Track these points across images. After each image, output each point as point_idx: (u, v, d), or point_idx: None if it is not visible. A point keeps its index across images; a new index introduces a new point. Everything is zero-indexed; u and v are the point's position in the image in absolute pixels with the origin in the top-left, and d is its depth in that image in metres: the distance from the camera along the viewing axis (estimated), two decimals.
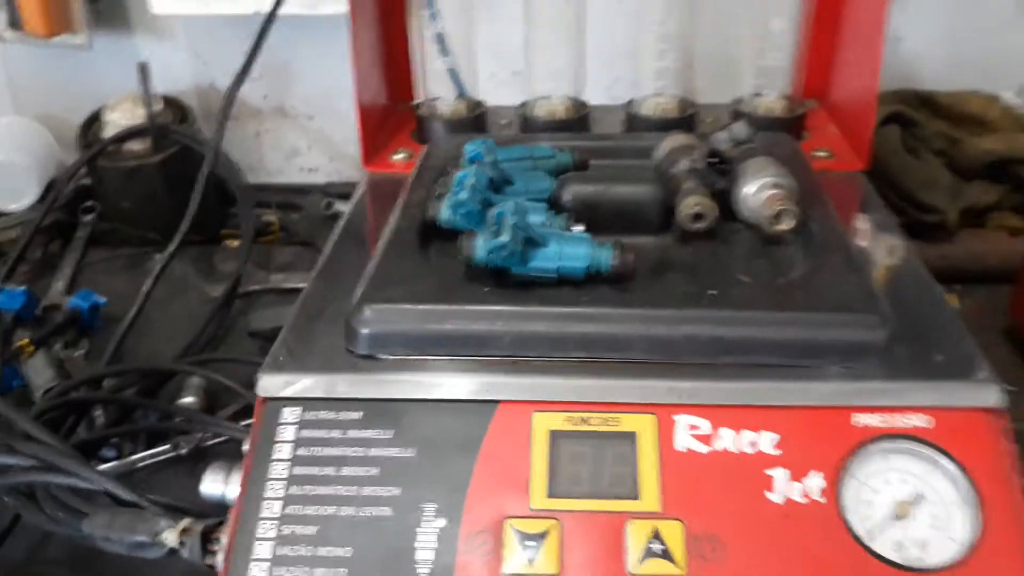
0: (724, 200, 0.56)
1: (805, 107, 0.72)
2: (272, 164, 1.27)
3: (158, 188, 1.10)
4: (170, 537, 0.53)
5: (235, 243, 1.14)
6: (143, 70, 1.02)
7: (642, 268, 0.52)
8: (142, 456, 0.81)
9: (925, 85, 1.08)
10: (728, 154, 0.57)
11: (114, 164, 1.09)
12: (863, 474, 0.43)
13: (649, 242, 0.55)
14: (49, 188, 1.14)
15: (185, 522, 0.54)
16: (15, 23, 1.03)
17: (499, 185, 0.56)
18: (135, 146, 1.10)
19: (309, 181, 1.25)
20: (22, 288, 0.98)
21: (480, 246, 0.49)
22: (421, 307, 0.47)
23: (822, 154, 0.68)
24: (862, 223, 0.59)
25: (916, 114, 1.04)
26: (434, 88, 0.74)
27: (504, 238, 0.47)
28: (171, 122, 1.12)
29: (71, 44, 1.08)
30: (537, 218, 0.53)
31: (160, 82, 1.20)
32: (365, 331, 0.47)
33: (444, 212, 0.53)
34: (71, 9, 1.05)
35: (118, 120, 1.09)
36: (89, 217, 1.18)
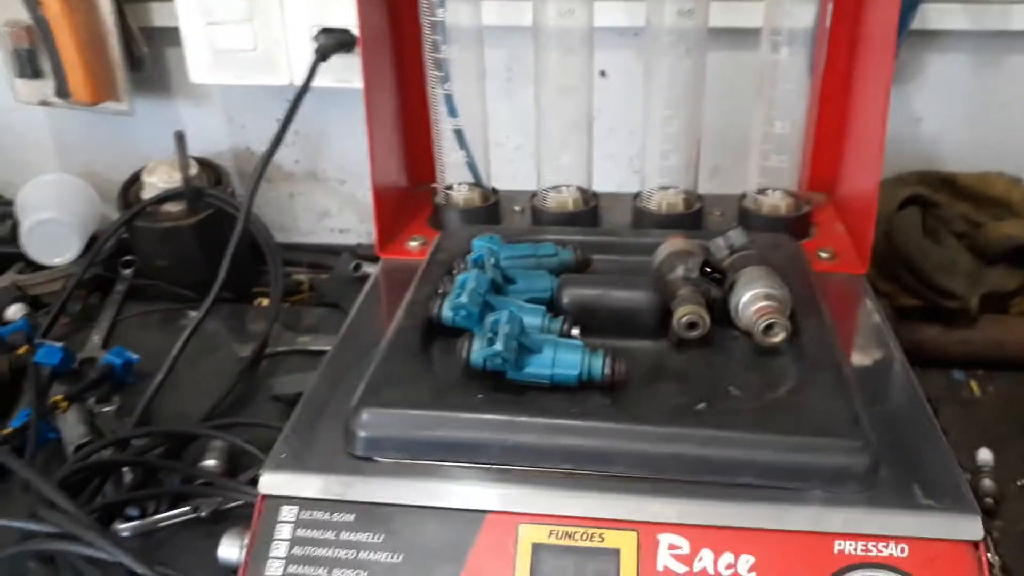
0: (721, 307, 0.57)
1: (810, 205, 0.73)
2: (304, 225, 1.31)
3: (192, 248, 1.14)
4: None
5: (266, 302, 1.17)
6: (179, 138, 1.06)
7: (636, 374, 0.53)
8: (164, 517, 0.83)
9: (947, 166, 1.08)
10: (724, 261, 0.59)
11: (151, 224, 1.14)
12: None
13: (645, 346, 0.57)
14: (91, 243, 1.19)
15: None
16: (62, 91, 1.08)
17: (501, 285, 0.58)
18: (171, 208, 1.14)
19: (340, 242, 1.29)
20: (60, 344, 1.01)
21: (476, 351, 0.51)
22: (415, 413, 0.48)
23: (824, 255, 0.69)
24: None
25: (937, 196, 1.04)
26: (451, 174, 0.76)
27: (498, 347, 0.49)
28: (206, 185, 1.16)
29: (114, 111, 1.12)
30: (534, 320, 0.55)
31: (198, 144, 1.25)
32: (362, 434, 0.49)
33: (446, 312, 0.55)
34: (115, 78, 1.10)
35: (156, 183, 1.13)
36: (128, 271, 1.22)
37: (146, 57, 1.14)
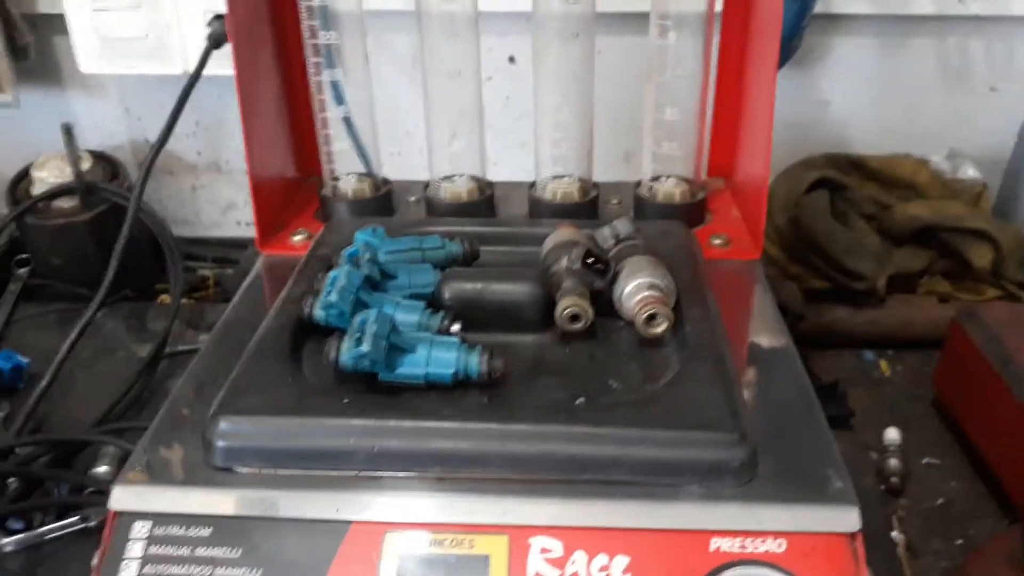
0: (606, 298, 0.56)
1: (705, 192, 0.72)
2: (208, 218, 1.26)
3: (87, 245, 1.09)
4: None
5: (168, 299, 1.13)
6: (67, 130, 1.01)
7: (517, 370, 0.51)
8: (50, 528, 0.79)
9: (855, 149, 1.09)
10: (610, 251, 0.57)
11: (42, 222, 1.08)
12: None
13: (530, 340, 0.55)
14: None
15: None
16: None
17: (378, 281, 0.55)
18: (64, 204, 1.09)
19: (246, 235, 1.24)
20: None
21: (344, 352, 0.48)
22: (275, 420, 0.46)
23: (718, 242, 0.68)
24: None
25: (846, 178, 1.05)
26: (340, 164, 0.73)
27: (364, 347, 0.47)
28: (101, 179, 1.11)
29: None
30: (411, 317, 0.53)
31: (94, 137, 1.19)
32: (220, 444, 0.46)
33: (317, 311, 0.53)
34: None
35: (46, 178, 1.08)
36: (23, 271, 1.17)
37: (30, 46, 1.09)
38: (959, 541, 0.76)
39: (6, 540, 0.78)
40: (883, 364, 0.99)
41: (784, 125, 1.11)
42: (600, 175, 1.12)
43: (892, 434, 0.85)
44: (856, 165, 1.07)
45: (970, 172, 1.05)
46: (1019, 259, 0.99)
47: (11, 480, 0.82)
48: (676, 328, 0.53)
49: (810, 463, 0.47)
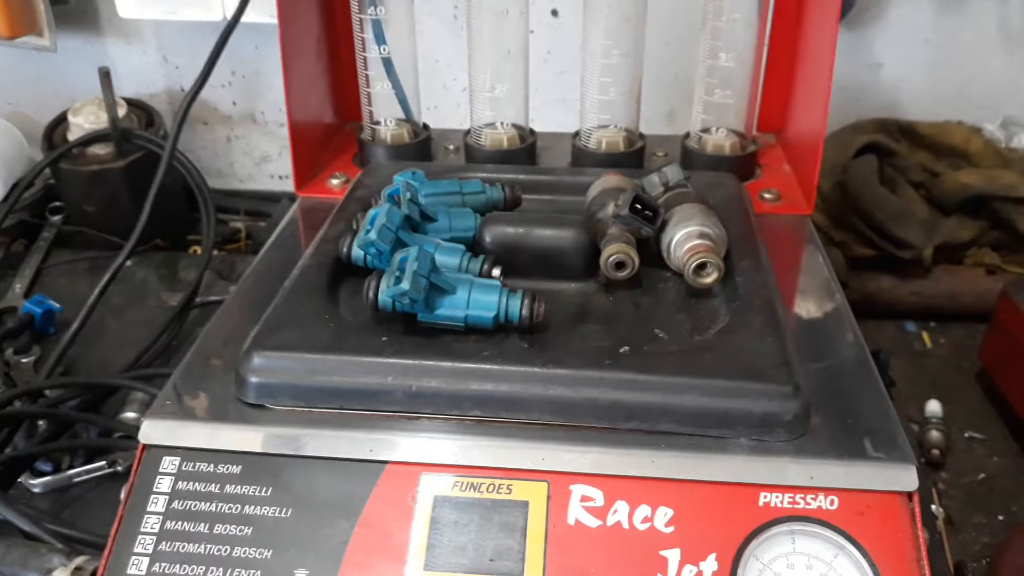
0: (654, 247, 0.54)
1: (756, 145, 0.69)
2: (242, 170, 1.25)
3: (121, 192, 1.08)
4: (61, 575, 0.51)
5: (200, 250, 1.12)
6: (105, 76, 1.00)
7: (559, 317, 0.50)
8: (78, 472, 0.79)
9: (907, 114, 1.05)
10: (659, 199, 0.55)
11: (77, 168, 1.08)
12: (767, 557, 0.41)
13: (572, 288, 0.53)
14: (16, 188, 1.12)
15: (78, 560, 0.52)
16: None
17: (418, 224, 0.53)
18: (99, 150, 1.08)
19: (280, 188, 1.24)
20: None
21: (383, 291, 0.47)
22: (310, 356, 0.44)
23: (768, 196, 0.65)
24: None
25: (896, 144, 1.02)
26: (379, 109, 0.71)
27: (404, 286, 0.45)
28: (137, 127, 1.10)
29: (35, 46, 1.06)
30: (452, 260, 0.51)
31: (131, 85, 1.18)
32: (253, 379, 0.45)
33: (356, 250, 0.51)
34: (35, 11, 1.03)
35: (82, 124, 1.07)
36: (56, 218, 1.16)
37: None
38: (1001, 517, 0.74)
39: (34, 481, 0.78)
40: (925, 336, 0.96)
41: (835, 87, 1.07)
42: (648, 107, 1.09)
43: (933, 406, 0.83)
44: (906, 131, 1.04)
45: None
46: None
47: (40, 422, 0.82)
48: (726, 279, 0.51)
49: (865, 419, 0.44)
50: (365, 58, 0.68)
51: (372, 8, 0.66)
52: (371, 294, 0.47)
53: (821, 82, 0.62)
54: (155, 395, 0.79)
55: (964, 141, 1.02)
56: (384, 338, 0.45)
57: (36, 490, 0.78)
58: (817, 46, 0.64)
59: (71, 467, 0.79)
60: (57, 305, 0.99)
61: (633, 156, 0.68)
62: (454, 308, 0.47)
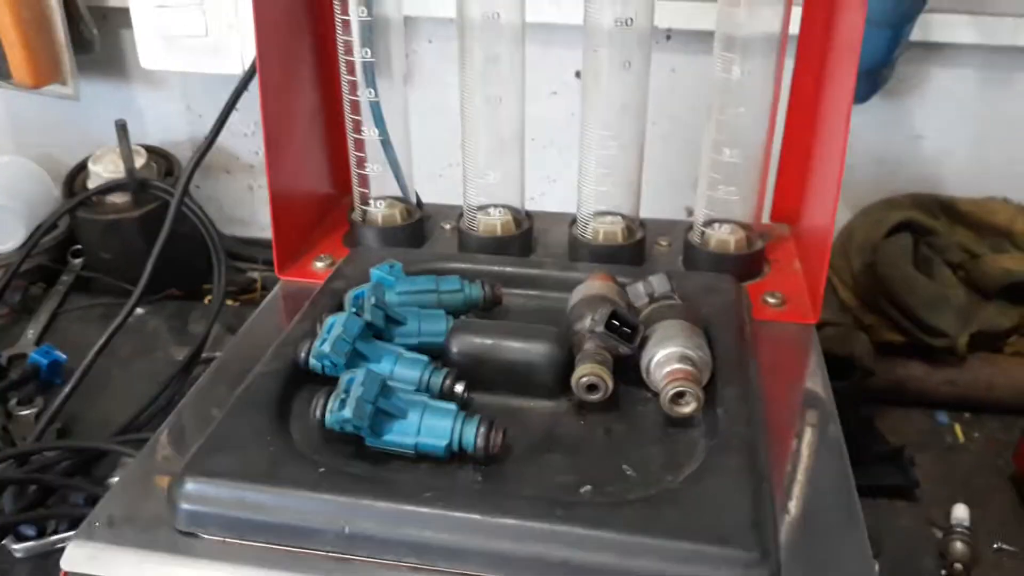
0: (635, 364, 0.50)
1: (764, 241, 0.65)
2: (264, 219, 1.24)
3: (137, 241, 1.08)
4: None
5: None
6: (121, 128, 1.00)
7: (520, 443, 0.46)
8: (61, 538, 0.78)
9: (947, 190, 1.00)
10: (643, 311, 0.51)
11: (94, 216, 1.08)
12: None
13: (541, 407, 0.49)
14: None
15: None
16: (2, 72, 1.01)
17: (382, 329, 0.50)
18: (116, 199, 1.08)
19: None
20: None
21: (329, 413, 0.44)
22: (242, 487, 0.42)
23: (772, 301, 0.61)
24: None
25: (933, 221, 0.96)
26: (375, 187, 0.68)
27: (346, 413, 0.42)
28: (154, 175, 1.10)
29: (59, 94, 1.06)
30: (412, 373, 0.48)
31: (156, 132, 1.19)
32: (184, 506, 0.42)
33: (312, 360, 0.48)
34: (60, 60, 1.04)
35: (101, 172, 1.07)
36: (77, 261, 1.17)
37: (95, 39, 1.08)
38: None
39: (17, 546, 0.76)
40: (958, 429, 0.90)
41: (870, 159, 1.03)
42: (664, 200, 1.05)
43: (960, 512, 0.77)
44: (945, 208, 0.98)
45: None
46: None
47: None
48: (708, 408, 0.47)
49: None
50: (357, 139, 0.65)
51: (368, 90, 0.64)
52: (318, 414, 0.44)
53: (831, 176, 0.58)
54: None
55: (1009, 220, 0.96)
56: (322, 469, 0.42)
57: (18, 555, 0.77)
58: (829, 133, 0.60)
59: (55, 532, 0.78)
60: (63, 356, 0.98)
61: (632, 248, 0.64)
62: (403, 435, 0.44)
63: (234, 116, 0.92)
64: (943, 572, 0.73)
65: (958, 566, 0.73)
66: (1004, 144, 0.98)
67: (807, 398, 0.54)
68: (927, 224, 0.95)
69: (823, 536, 0.43)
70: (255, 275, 1.18)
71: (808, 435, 0.50)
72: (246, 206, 1.24)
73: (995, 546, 0.76)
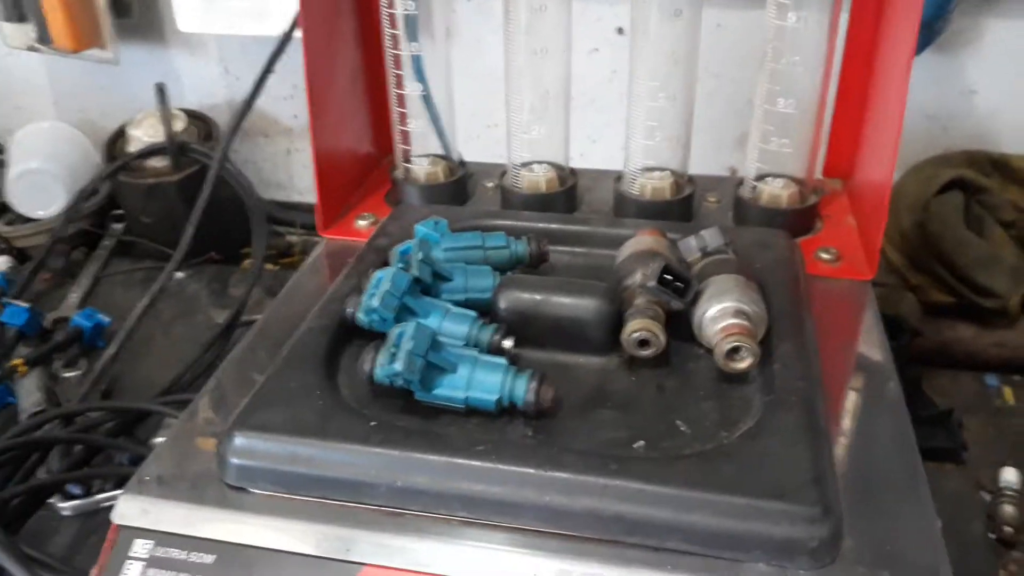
0: (687, 319, 0.49)
1: (818, 196, 0.63)
2: (302, 183, 1.24)
3: (177, 205, 1.08)
4: None
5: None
6: (161, 91, 1.00)
7: (571, 399, 0.45)
8: (108, 496, 0.79)
9: (1000, 146, 0.97)
10: (695, 266, 0.50)
11: (134, 180, 1.08)
12: None
13: (591, 363, 0.48)
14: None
15: None
16: (44, 37, 1.02)
17: (430, 285, 0.50)
18: (156, 163, 1.08)
19: None
20: (26, 305, 0.97)
21: (379, 367, 0.43)
22: (292, 441, 0.41)
23: (826, 257, 0.59)
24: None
25: (985, 179, 0.93)
26: (417, 144, 0.67)
27: (397, 366, 0.42)
28: (194, 139, 1.10)
29: (99, 58, 1.06)
30: (461, 328, 0.47)
31: (193, 95, 1.18)
32: (234, 461, 0.42)
33: (360, 315, 0.48)
34: (100, 24, 1.04)
35: (141, 136, 1.08)
36: (118, 226, 1.17)
37: (134, 3, 1.08)
38: None
39: (64, 504, 0.78)
40: (1008, 391, 0.88)
41: (921, 115, 1.00)
42: (709, 159, 1.03)
43: (1009, 475, 0.75)
44: (998, 165, 0.95)
45: None
46: None
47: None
48: (763, 363, 0.46)
49: (906, 545, 0.39)
50: (399, 95, 0.64)
51: (409, 43, 0.63)
52: (367, 368, 0.44)
53: (890, 131, 0.56)
54: None
55: None
56: (373, 422, 0.42)
57: (66, 513, 0.78)
58: (888, 87, 0.58)
59: (102, 491, 0.79)
60: (106, 319, 0.99)
61: (680, 204, 0.63)
62: (454, 388, 0.44)
63: (271, 79, 0.91)
64: (992, 535, 0.72)
65: (1008, 529, 0.72)
66: None
67: (864, 356, 0.52)
68: (979, 182, 0.92)
69: (885, 494, 0.42)
70: (294, 239, 1.18)
71: (866, 393, 0.49)
72: (283, 170, 1.24)
73: None
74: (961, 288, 0.87)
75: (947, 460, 0.80)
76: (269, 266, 1.14)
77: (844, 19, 0.64)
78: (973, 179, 0.92)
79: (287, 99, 1.17)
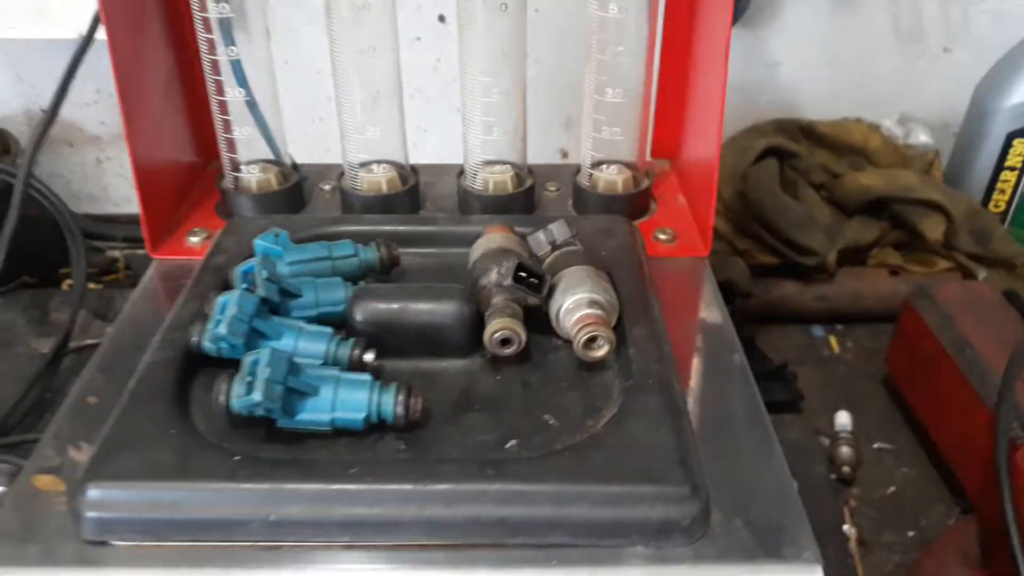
0: (542, 312, 0.49)
1: (650, 179, 0.65)
2: (117, 193, 1.16)
3: None
4: None
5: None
6: None
7: (440, 406, 0.45)
8: None
9: (805, 113, 1.03)
10: (546, 260, 0.51)
11: None
12: None
13: (455, 367, 0.48)
14: None
15: None
16: None
17: (278, 304, 0.48)
18: None
19: None
20: None
21: (235, 398, 0.41)
22: (152, 486, 0.39)
23: (663, 237, 0.62)
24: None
25: (796, 145, 1.00)
26: (243, 151, 0.65)
27: (256, 396, 0.40)
28: None
29: None
30: (318, 347, 0.46)
31: None
32: (90, 515, 0.39)
33: (206, 343, 0.45)
34: None
35: None
36: None
37: None
38: (911, 533, 0.73)
39: None
40: (833, 340, 0.95)
41: (732, 90, 1.03)
42: (539, 143, 1.05)
43: (843, 419, 0.81)
44: (806, 131, 1.02)
45: (922, 137, 1.01)
46: (970, 230, 0.95)
47: None
48: (619, 349, 0.47)
49: (767, 509, 0.42)
50: (221, 102, 0.61)
51: (226, 47, 0.60)
52: (222, 400, 0.42)
53: (712, 109, 0.59)
54: (19, 466, 0.73)
55: (863, 139, 1.01)
56: (236, 457, 0.40)
57: None
58: (707, 67, 0.61)
59: None
60: None
61: (522, 196, 0.64)
62: (318, 412, 0.43)
63: (72, 85, 0.85)
64: (833, 476, 0.78)
65: (846, 469, 0.77)
66: (854, 66, 1.03)
67: (709, 329, 0.55)
68: (790, 148, 0.98)
69: (743, 461, 0.44)
70: (116, 254, 1.11)
71: (714, 364, 0.52)
72: (95, 181, 1.16)
73: (875, 446, 0.82)
74: (783, 249, 0.92)
75: (786, 411, 0.85)
76: (92, 285, 1.06)
77: (662, 4, 0.66)
78: (785, 146, 0.98)
79: (90, 105, 1.10)
